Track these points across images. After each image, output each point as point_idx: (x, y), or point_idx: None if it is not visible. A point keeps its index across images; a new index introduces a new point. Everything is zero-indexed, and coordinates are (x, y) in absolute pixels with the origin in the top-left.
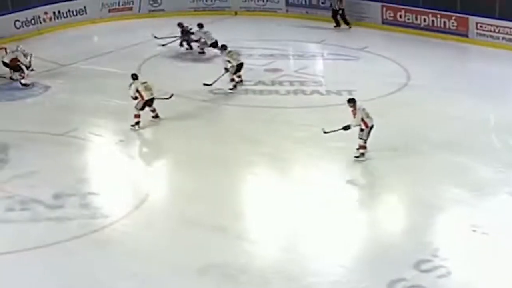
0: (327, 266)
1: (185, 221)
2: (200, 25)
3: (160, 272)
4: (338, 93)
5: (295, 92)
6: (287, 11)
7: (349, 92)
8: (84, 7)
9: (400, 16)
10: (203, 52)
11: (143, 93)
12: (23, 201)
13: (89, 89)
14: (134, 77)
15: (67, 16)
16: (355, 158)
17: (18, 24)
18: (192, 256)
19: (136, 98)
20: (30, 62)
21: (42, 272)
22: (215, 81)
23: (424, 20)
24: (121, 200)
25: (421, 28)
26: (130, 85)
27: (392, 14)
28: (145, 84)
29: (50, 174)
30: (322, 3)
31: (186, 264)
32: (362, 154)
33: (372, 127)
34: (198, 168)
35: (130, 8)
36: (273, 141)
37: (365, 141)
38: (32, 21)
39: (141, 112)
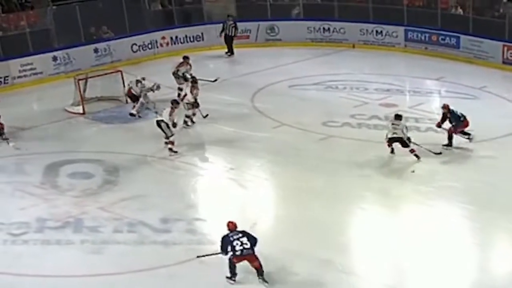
0: None
1: (290, 252)
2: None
3: None
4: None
5: (409, 129)
6: (405, 46)
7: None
8: (201, 33)
9: None
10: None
11: None
12: (131, 224)
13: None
14: None
15: (184, 42)
16: None
17: (135, 47)
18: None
19: None
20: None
21: None
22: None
23: None
24: None
25: None
26: None
27: None
28: None
29: (158, 198)
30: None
31: None
32: None
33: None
34: (306, 199)
35: (247, 37)
36: (384, 177)
37: None
38: (149, 45)
39: None
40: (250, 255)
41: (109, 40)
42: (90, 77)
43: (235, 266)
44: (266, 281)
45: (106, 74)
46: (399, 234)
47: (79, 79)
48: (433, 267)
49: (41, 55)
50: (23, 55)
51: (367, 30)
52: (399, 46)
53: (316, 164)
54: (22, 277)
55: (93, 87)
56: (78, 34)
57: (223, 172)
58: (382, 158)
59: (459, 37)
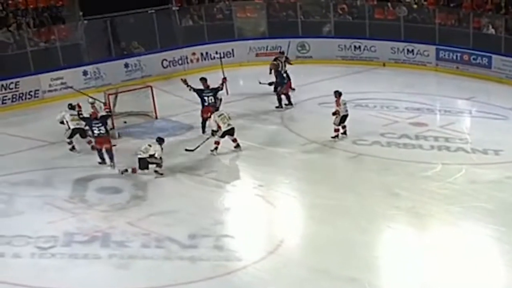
0: None
1: (317, 270)
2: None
3: None
4: (484, 151)
5: (439, 148)
6: (436, 65)
7: (496, 151)
8: (232, 49)
9: None
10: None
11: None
12: (158, 239)
13: None
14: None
15: (214, 58)
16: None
17: (165, 63)
18: None
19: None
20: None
21: None
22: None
23: None
24: (256, 245)
25: None
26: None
27: None
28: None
29: (186, 214)
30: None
31: None
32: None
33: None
34: (334, 218)
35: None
36: (413, 196)
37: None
38: (179, 61)
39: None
40: (103, 137)
41: (139, 55)
42: (120, 92)
43: (99, 151)
44: (113, 166)
45: (136, 89)
46: (427, 253)
47: (109, 94)
48: (461, 287)
49: (72, 70)
50: (54, 69)
51: (398, 49)
52: (430, 65)
53: (345, 182)
54: None
55: (123, 102)
56: (108, 48)
57: (251, 189)
58: (411, 177)
59: (491, 57)
